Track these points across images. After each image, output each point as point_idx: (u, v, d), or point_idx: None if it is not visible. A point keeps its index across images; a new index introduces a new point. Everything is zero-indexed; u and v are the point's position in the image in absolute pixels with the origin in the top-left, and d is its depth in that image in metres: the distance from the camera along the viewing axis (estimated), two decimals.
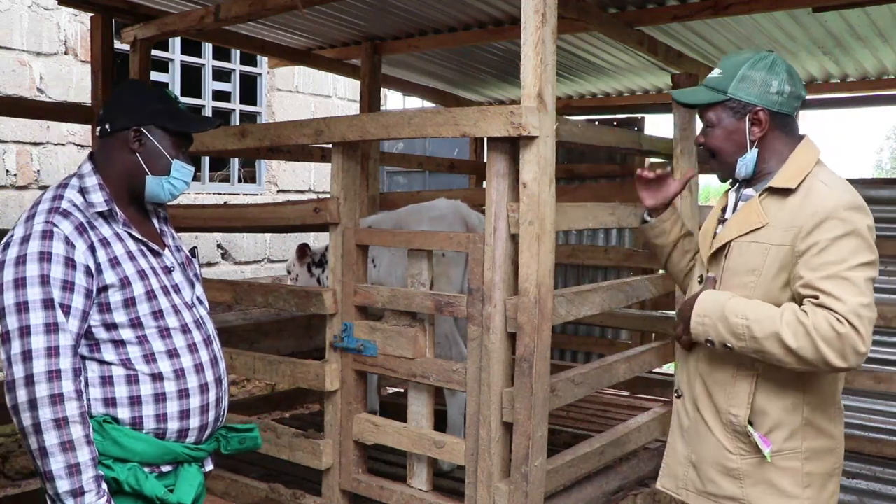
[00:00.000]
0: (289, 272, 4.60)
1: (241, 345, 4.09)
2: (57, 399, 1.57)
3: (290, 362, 3.13)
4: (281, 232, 6.63)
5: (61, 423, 1.57)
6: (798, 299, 1.73)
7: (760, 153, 1.85)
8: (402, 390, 5.05)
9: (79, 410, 1.60)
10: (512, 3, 3.80)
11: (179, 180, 1.86)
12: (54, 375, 1.58)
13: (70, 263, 1.64)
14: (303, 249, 4.42)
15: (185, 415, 1.76)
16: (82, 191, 1.75)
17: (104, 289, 1.69)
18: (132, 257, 1.75)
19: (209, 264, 6.99)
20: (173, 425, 1.75)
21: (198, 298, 1.92)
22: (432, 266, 2.90)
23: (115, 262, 1.71)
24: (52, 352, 1.59)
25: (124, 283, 1.70)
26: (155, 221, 1.93)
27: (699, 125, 1.97)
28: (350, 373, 2.96)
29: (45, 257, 1.62)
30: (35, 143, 5.92)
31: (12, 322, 1.60)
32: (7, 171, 5.76)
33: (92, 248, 1.68)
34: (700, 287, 1.93)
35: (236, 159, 7.38)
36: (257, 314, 6.15)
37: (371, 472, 3.07)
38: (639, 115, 5.95)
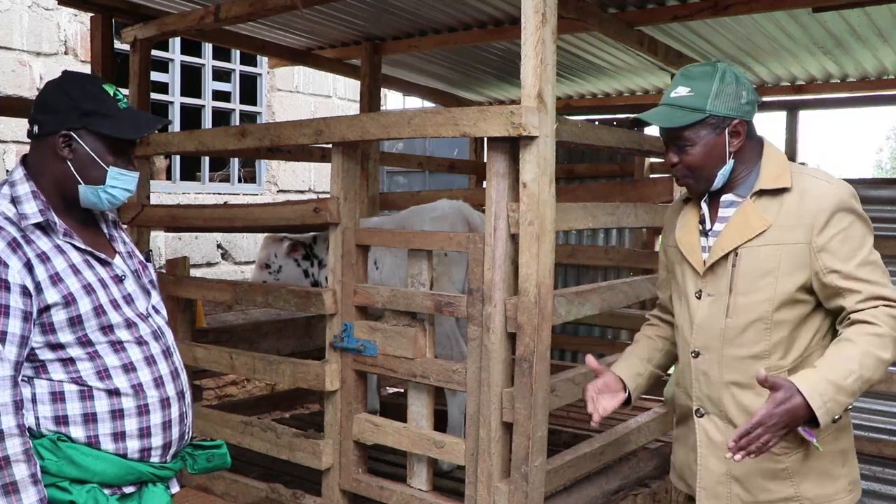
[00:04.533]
0: (267, 266, 4.25)
1: (241, 345, 4.08)
2: None
3: (290, 362, 3.13)
4: (281, 232, 6.62)
5: (2, 464, 1.42)
6: (832, 293, 1.77)
7: (735, 162, 1.88)
8: (402, 390, 5.05)
9: (22, 448, 1.45)
10: (512, 3, 3.80)
11: (119, 188, 1.66)
12: None
13: (3, 285, 1.48)
14: (295, 246, 4.30)
15: (145, 432, 1.62)
16: (14, 200, 1.57)
17: (46, 308, 1.53)
18: (76, 271, 1.58)
19: (209, 264, 6.98)
20: (133, 444, 1.60)
21: (154, 308, 1.75)
22: (432, 266, 2.90)
23: (56, 279, 1.54)
24: None
25: (68, 301, 1.55)
26: (103, 226, 1.74)
27: None
28: (350, 373, 2.96)
29: None
30: None
31: None
32: (7, 171, 5.76)
33: (29, 266, 1.52)
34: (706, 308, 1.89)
35: (236, 159, 7.38)
36: (257, 314, 6.16)
37: (371, 472, 3.07)
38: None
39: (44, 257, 1.55)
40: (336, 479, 3.01)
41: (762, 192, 1.84)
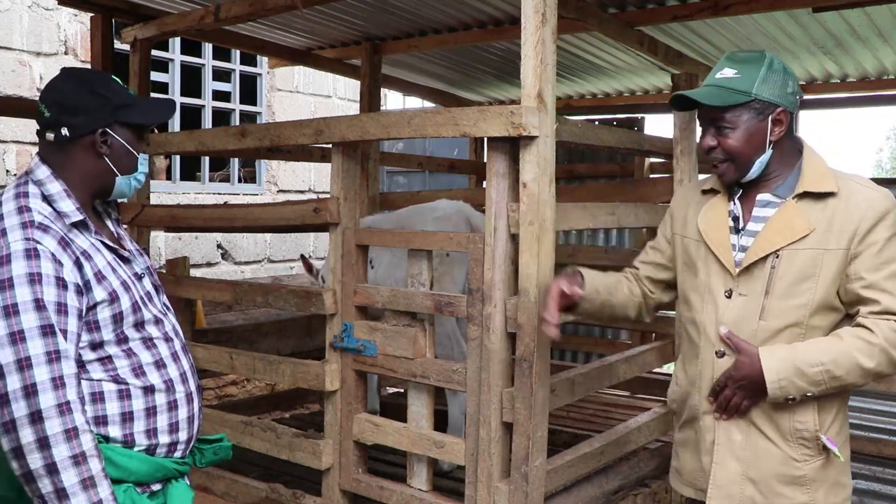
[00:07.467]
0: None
1: (241, 345, 4.08)
2: (72, 434, 1.43)
3: (290, 362, 3.13)
4: (281, 232, 6.63)
5: (80, 460, 1.43)
6: (854, 299, 1.76)
7: (772, 154, 1.84)
8: (402, 390, 5.04)
9: (93, 443, 1.47)
10: (512, 3, 3.80)
11: (143, 173, 1.71)
12: (65, 408, 1.43)
13: (61, 283, 1.47)
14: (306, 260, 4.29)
15: (174, 427, 1.65)
16: (46, 199, 1.55)
17: (93, 306, 1.54)
18: (112, 268, 1.60)
19: (209, 264, 6.98)
20: (164, 439, 1.64)
21: (165, 305, 1.77)
22: (432, 266, 2.90)
23: (100, 276, 1.55)
24: (59, 383, 1.43)
25: (113, 298, 1.56)
26: (110, 224, 1.75)
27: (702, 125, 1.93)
28: (350, 373, 2.96)
29: (35, 279, 1.44)
30: (35, 143, 5.90)
31: (6, 355, 1.41)
32: (7, 171, 5.76)
33: (78, 264, 1.52)
34: (728, 311, 1.83)
35: (236, 159, 7.38)
36: (257, 314, 6.16)
37: (371, 472, 3.07)
38: (639, 115, 5.95)
39: (86, 255, 1.55)
40: (336, 479, 3.01)
41: (805, 195, 1.79)
